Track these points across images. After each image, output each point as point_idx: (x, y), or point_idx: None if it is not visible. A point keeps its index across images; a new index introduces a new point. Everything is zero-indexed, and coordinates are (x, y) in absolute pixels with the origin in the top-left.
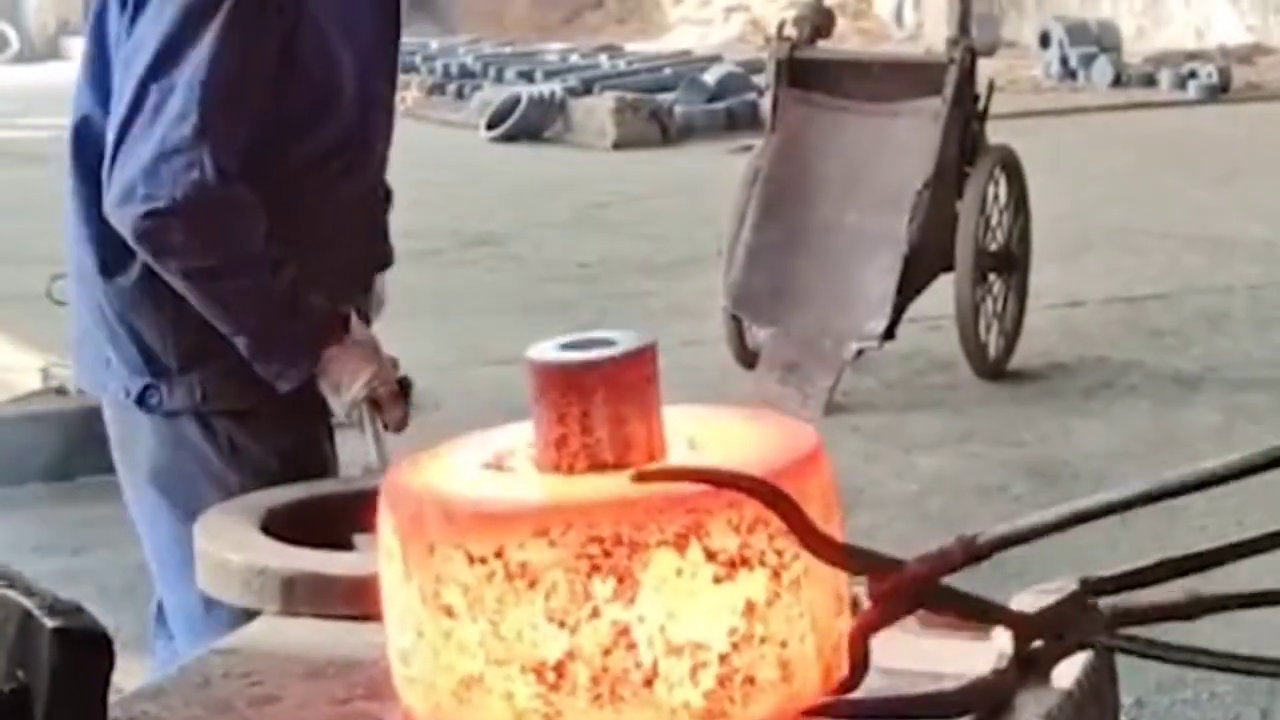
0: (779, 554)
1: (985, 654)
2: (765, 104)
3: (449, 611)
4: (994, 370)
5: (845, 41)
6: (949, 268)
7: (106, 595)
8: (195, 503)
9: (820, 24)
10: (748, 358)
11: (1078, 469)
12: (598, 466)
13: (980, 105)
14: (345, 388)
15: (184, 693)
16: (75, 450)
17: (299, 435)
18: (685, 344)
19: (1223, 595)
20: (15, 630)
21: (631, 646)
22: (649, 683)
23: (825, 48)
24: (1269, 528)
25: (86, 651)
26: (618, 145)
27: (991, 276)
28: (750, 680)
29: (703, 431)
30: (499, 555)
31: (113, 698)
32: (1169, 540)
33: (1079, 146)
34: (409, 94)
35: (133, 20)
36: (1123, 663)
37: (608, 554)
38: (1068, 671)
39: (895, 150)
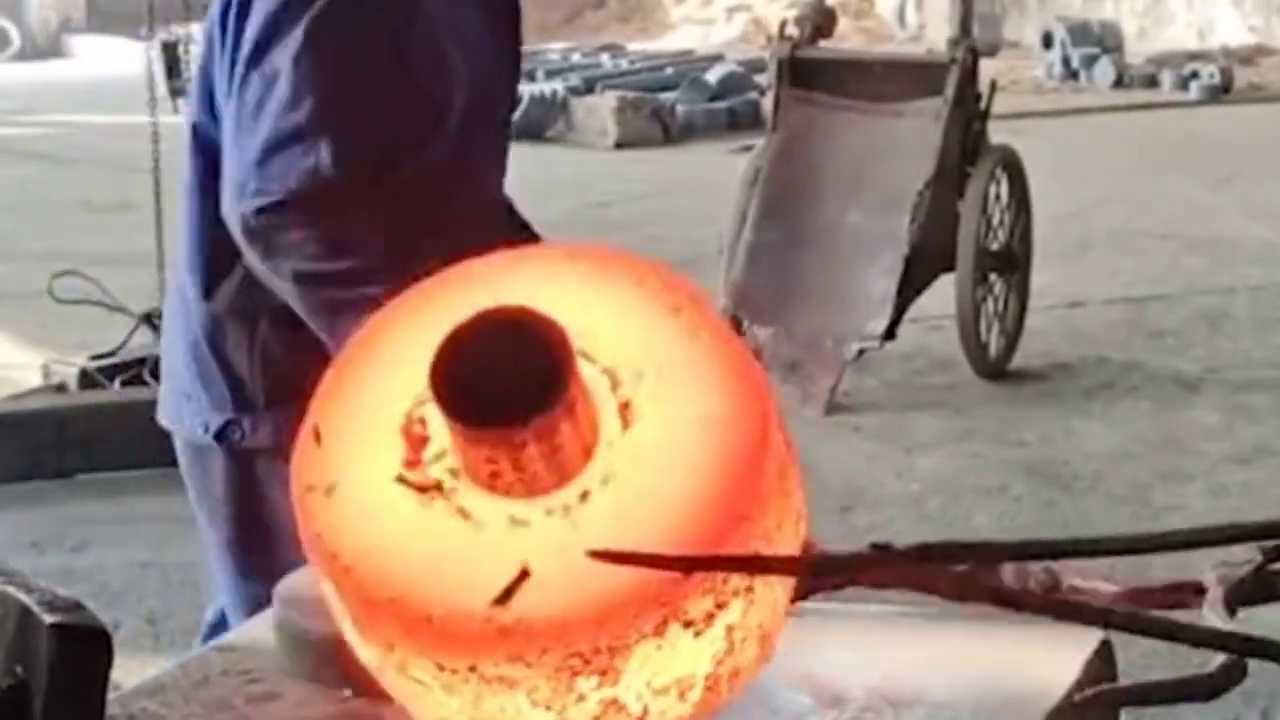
0: (744, 579)
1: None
2: (767, 104)
3: (420, 682)
4: (995, 370)
5: (847, 41)
6: (950, 268)
7: (106, 592)
8: (267, 546)
9: (822, 24)
10: None
11: (1078, 469)
12: (538, 492)
13: (982, 105)
14: None
15: (183, 690)
16: (75, 448)
17: None
18: None
19: None
20: (14, 626)
21: (621, 709)
22: (643, 717)
23: (827, 47)
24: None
25: (85, 648)
26: (619, 145)
27: (993, 277)
28: (736, 672)
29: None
30: (472, 669)
31: (111, 694)
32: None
33: (1080, 147)
34: None
35: (241, 17)
36: (1123, 664)
37: (588, 661)
38: (1069, 669)
39: (897, 150)
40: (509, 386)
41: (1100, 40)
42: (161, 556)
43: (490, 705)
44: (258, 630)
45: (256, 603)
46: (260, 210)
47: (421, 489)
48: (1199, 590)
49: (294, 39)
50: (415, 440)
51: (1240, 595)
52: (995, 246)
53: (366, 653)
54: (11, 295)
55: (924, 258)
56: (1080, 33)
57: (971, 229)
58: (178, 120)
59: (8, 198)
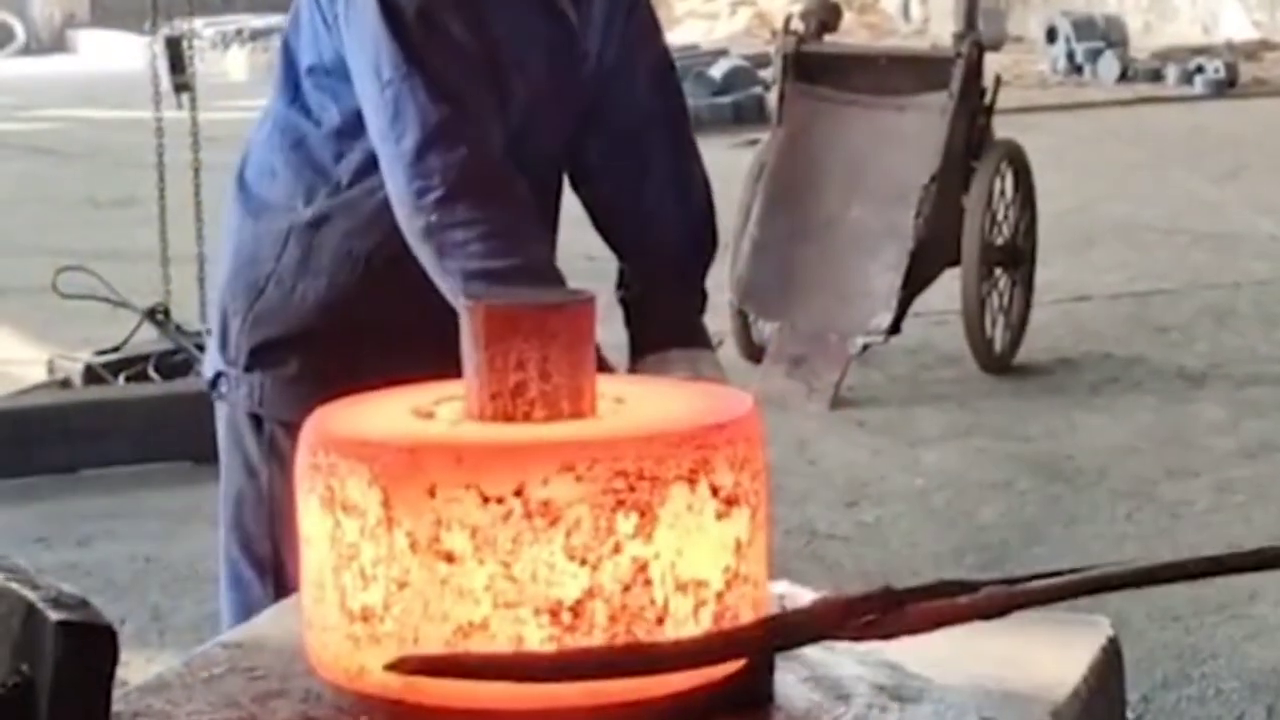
0: (756, 494)
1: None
2: (771, 98)
3: (449, 557)
4: (1000, 365)
5: (851, 35)
6: (955, 262)
7: (111, 588)
8: (234, 498)
9: (827, 18)
10: (753, 352)
11: (1083, 464)
12: (555, 415)
13: (987, 100)
14: None
15: (188, 686)
16: (80, 443)
17: None
18: None
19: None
20: (20, 623)
21: (648, 583)
22: (660, 621)
23: (832, 42)
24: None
25: (91, 645)
26: None
27: (997, 271)
28: (736, 617)
29: (629, 392)
30: (518, 493)
31: (116, 691)
32: (1175, 537)
33: (1085, 141)
34: None
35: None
36: (1129, 660)
37: (632, 489)
38: (1075, 668)
39: (901, 145)
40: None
41: (1105, 35)
42: (166, 552)
43: (525, 561)
44: (264, 627)
45: (230, 560)
46: (433, 207)
47: (425, 415)
48: None
49: (411, 43)
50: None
51: None
52: (1000, 241)
53: (378, 532)
54: (16, 290)
55: (929, 252)
56: (1085, 27)
57: (976, 224)
58: (181, 115)
59: (11, 193)
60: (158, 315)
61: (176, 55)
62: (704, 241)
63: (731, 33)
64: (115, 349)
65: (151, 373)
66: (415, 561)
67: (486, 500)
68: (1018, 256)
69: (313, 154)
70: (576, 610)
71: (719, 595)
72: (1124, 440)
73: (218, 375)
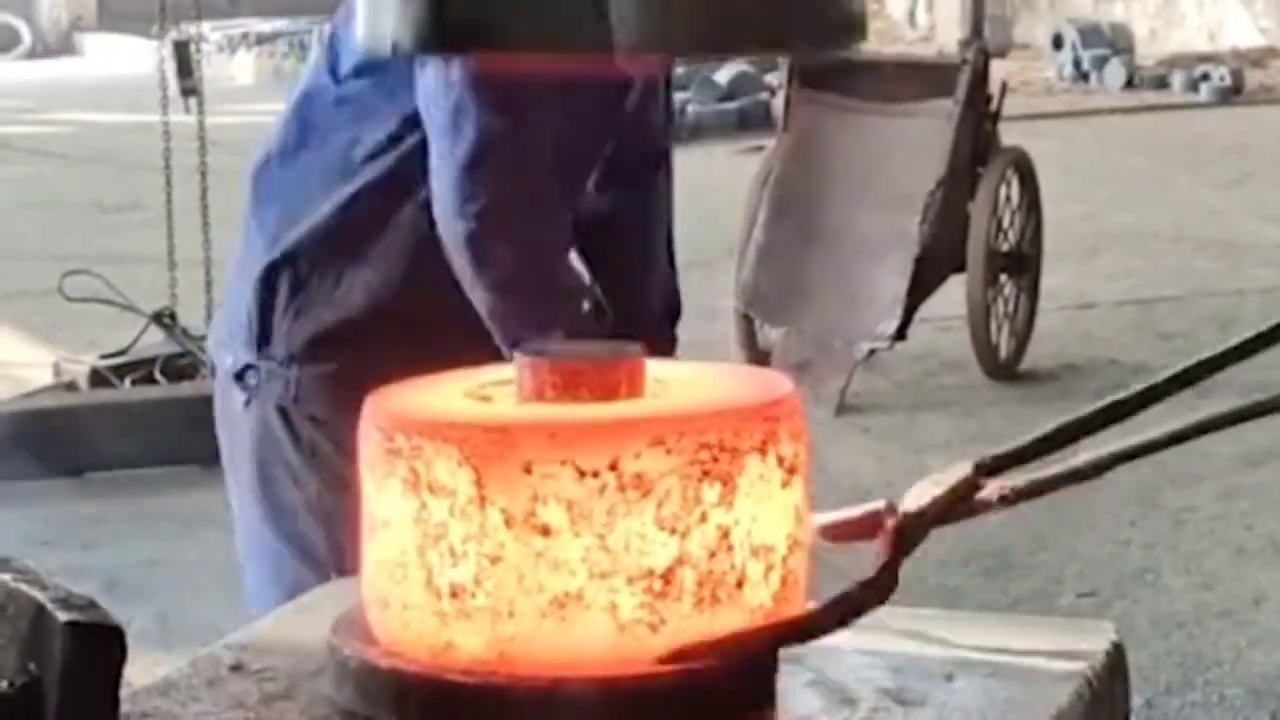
0: (807, 465)
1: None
2: (777, 104)
3: (544, 530)
4: (1005, 371)
5: None
6: (960, 269)
7: (116, 590)
8: (275, 499)
9: None
10: (759, 357)
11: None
12: (610, 397)
13: (993, 107)
14: None
15: (195, 688)
16: (86, 446)
17: None
18: (696, 343)
19: (1123, 449)
20: (28, 624)
21: (729, 549)
22: (740, 584)
23: None
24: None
25: (99, 646)
26: None
27: (1003, 278)
28: (798, 581)
29: (664, 375)
30: (613, 468)
31: (122, 692)
32: (1178, 544)
33: (1091, 148)
34: None
35: None
36: (1133, 666)
37: (715, 459)
38: (1076, 672)
39: (908, 151)
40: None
41: (1111, 42)
42: (172, 554)
43: (619, 532)
44: (271, 628)
45: (275, 555)
46: (475, 216)
47: (481, 398)
48: None
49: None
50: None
51: None
52: (1006, 248)
53: (469, 509)
54: (22, 294)
55: (934, 259)
56: (1091, 34)
57: (982, 230)
58: (189, 119)
59: (18, 196)
60: (164, 319)
61: (184, 59)
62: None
63: None
64: (121, 352)
65: (158, 376)
66: (509, 536)
67: (582, 475)
68: (1023, 263)
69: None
70: (667, 578)
71: (784, 559)
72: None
73: (246, 367)
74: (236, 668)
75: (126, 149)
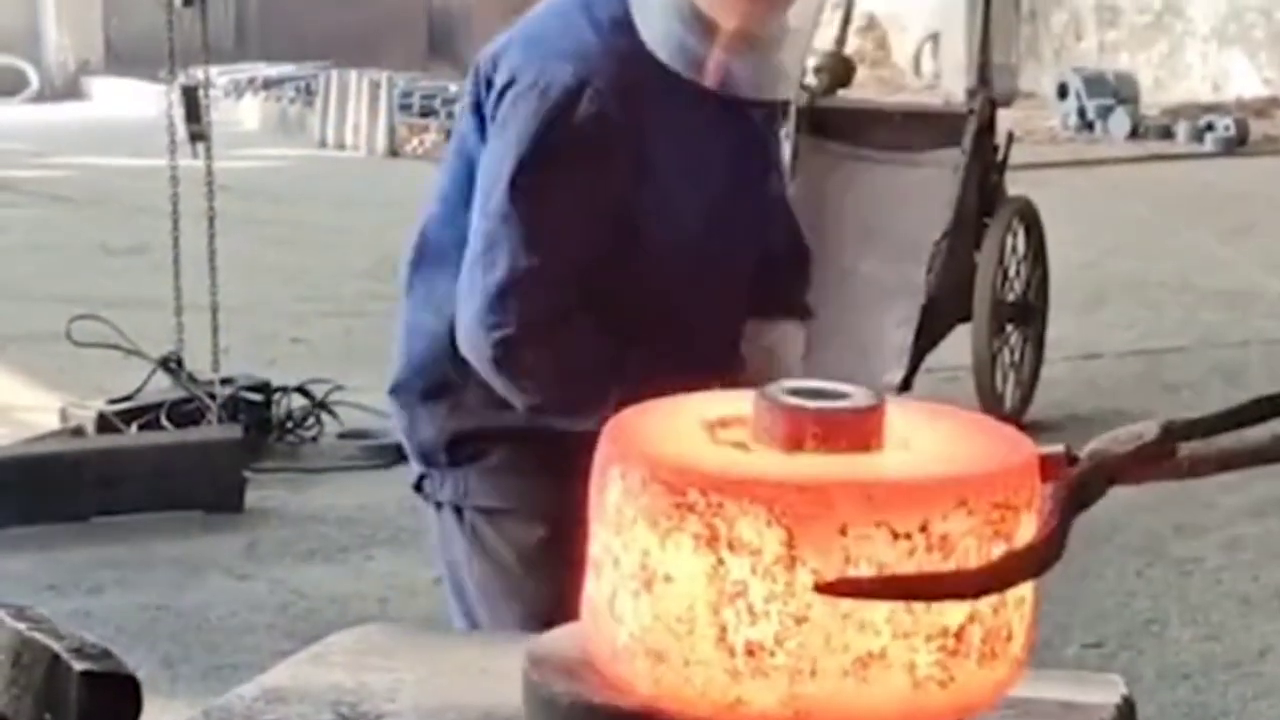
0: None
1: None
2: (785, 152)
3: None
4: (1010, 422)
5: (863, 89)
6: (966, 318)
7: (122, 635)
8: (460, 594)
9: (840, 73)
10: None
11: (1095, 519)
12: (858, 447)
13: (999, 156)
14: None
15: None
16: (92, 491)
17: (546, 532)
18: None
19: None
20: (43, 673)
21: (1004, 604)
22: (1009, 638)
23: (844, 97)
24: None
25: (114, 695)
26: None
27: (1009, 327)
28: (1033, 625)
29: (914, 432)
30: (923, 529)
31: None
32: (1185, 594)
33: (1096, 198)
34: (428, 137)
35: (481, 131)
36: (1141, 718)
37: (1003, 518)
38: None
39: (914, 200)
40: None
41: (1115, 91)
42: (177, 600)
43: None
44: (282, 678)
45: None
46: (499, 343)
47: (736, 445)
48: None
49: (529, 190)
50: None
51: None
52: (1011, 297)
53: (777, 570)
54: (29, 338)
55: (940, 308)
56: (1096, 84)
57: (988, 279)
58: (195, 163)
59: (25, 239)
60: (171, 364)
61: (192, 104)
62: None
63: None
64: (128, 397)
65: (164, 421)
66: (818, 597)
67: (896, 537)
68: (1029, 313)
69: None
70: (959, 635)
71: (1032, 609)
72: (1134, 497)
73: (421, 478)
74: (249, 718)
75: (133, 193)
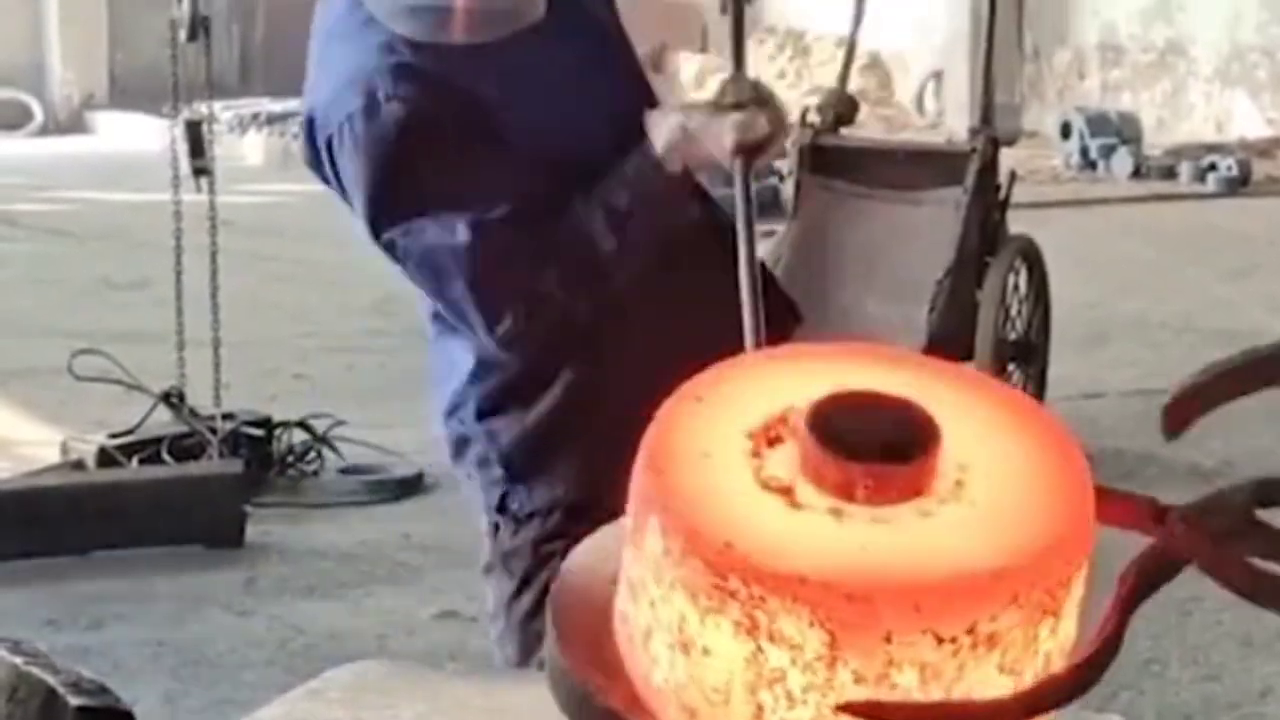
0: None
1: None
2: (787, 190)
3: (893, 687)
4: None
5: (866, 128)
6: (968, 357)
7: (121, 672)
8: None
9: (843, 111)
10: None
11: (1097, 561)
12: (905, 496)
13: (1002, 195)
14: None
15: None
16: (92, 525)
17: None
18: None
19: None
20: (39, 708)
21: (1050, 664)
22: None
23: (848, 135)
24: None
25: None
26: None
27: (1011, 366)
28: None
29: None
30: (970, 631)
31: None
32: (1185, 634)
33: (1098, 237)
34: None
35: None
36: None
37: (1054, 598)
38: None
39: (916, 239)
40: (898, 431)
41: (1118, 131)
42: (177, 635)
43: (964, 684)
44: (278, 714)
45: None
46: (508, 336)
47: (783, 492)
48: None
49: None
50: (765, 441)
51: None
52: (1013, 336)
53: (816, 666)
54: (31, 371)
55: (942, 347)
56: (1098, 123)
57: (990, 319)
58: (199, 198)
59: (28, 274)
60: (172, 398)
61: (196, 139)
62: None
63: None
64: (129, 431)
65: (165, 456)
66: (858, 691)
67: (940, 641)
68: (1031, 352)
69: None
70: None
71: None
72: (1136, 537)
73: (503, 496)
74: None
75: (136, 227)
